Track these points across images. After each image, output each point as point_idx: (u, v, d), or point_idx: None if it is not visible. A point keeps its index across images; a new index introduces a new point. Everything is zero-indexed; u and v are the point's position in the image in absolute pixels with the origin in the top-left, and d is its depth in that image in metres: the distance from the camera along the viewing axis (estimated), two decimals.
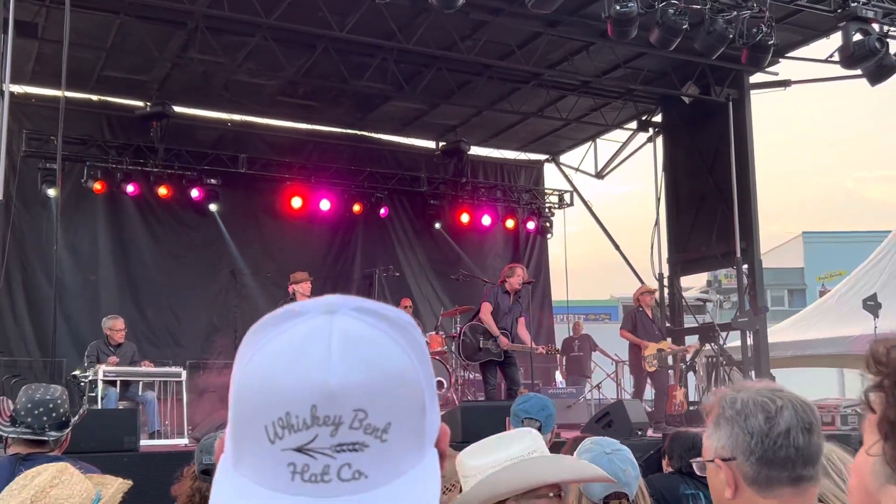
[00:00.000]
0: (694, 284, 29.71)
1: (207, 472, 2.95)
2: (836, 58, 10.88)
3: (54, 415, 3.33)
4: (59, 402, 3.37)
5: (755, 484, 1.62)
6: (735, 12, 9.39)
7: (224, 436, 0.80)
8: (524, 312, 9.95)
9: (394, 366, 0.74)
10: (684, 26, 9.15)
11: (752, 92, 13.04)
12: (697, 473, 1.84)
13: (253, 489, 0.74)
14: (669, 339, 12.38)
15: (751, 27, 9.51)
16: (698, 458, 1.78)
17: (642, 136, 15.38)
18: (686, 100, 13.27)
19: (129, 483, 2.38)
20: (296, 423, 0.71)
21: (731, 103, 12.78)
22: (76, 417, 3.52)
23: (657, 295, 14.39)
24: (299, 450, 0.72)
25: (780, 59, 12.33)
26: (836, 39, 11.27)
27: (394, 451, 0.74)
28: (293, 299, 9.96)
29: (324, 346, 0.73)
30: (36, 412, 3.31)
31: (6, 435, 3.42)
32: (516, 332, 9.68)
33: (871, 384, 1.01)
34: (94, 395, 8.56)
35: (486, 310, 9.73)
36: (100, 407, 8.44)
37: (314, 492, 0.72)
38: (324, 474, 0.72)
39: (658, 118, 14.84)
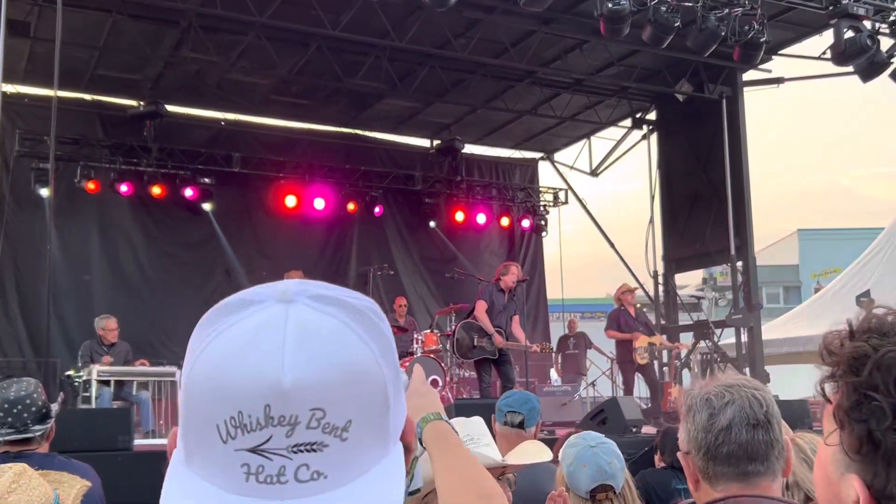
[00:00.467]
0: (689, 282, 29.78)
1: None
2: (829, 55, 10.91)
3: (34, 409, 3.30)
4: (35, 395, 3.33)
5: (706, 477, 1.64)
6: (727, 10, 9.41)
7: (176, 429, 0.76)
8: (518, 310, 9.96)
9: (353, 360, 0.71)
10: (676, 24, 9.16)
11: (745, 89, 13.06)
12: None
13: (206, 489, 0.70)
14: (665, 336, 12.40)
15: (743, 24, 9.53)
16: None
17: (637, 134, 15.39)
18: (680, 97, 13.29)
19: (88, 484, 2.35)
20: (249, 424, 0.68)
21: (724, 101, 12.81)
22: (56, 405, 3.49)
23: (653, 291, 14.45)
24: (253, 450, 0.68)
25: (773, 57, 12.35)
26: (828, 36, 11.29)
27: (355, 449, 0.70)
28: None
29: (277, 341, 0.69)
30: (15, 411, 3.27)
31: None
32: (511, 330, 9.69)
33: (824, 375, 1.02)
34: (88, 394, 8.56)
35: (481, 308, 9.74)
36: (93, 406, 8.44)
37: (270, 493, 0.68)
38: (280, 475, 0.68)
39: (652, 116, 14.85)
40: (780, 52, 12.22)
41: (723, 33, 9.40)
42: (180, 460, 0.74)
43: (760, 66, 12.47)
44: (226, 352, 0.70)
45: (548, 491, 3.33)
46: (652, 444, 7.97)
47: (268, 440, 0.68)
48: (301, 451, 0.68)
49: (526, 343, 9.81)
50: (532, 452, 2.65)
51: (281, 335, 0.69)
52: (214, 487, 0.70)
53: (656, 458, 4.88)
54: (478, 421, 2.38)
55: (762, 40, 9.57)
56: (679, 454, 1.72)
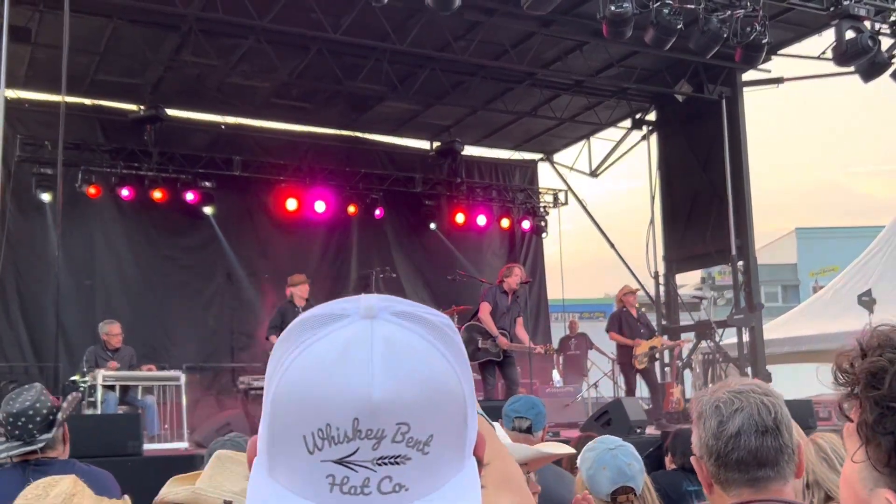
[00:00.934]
0: (688, 281, 29.82)
1: None
2: (829, 55, 10.94)
3: (38, 419, 3.29)
4: (38, 405, 3.31)
5: (719, 482, 1.66)
6: (729, 11, 9.44)
7: (256, 438, 0.78)
8: (522, 312, 9.99)
9: (437, 376, 0.73)
10: (679, 26, 9.19)
11: (744, 89, 13.10)
12: None
13: (289, 499, 0.72)
14: (666, 336, 12.43)
15: (744, 26, 9.56)
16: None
17: (636, 135, 15.42)
18: (679, 98, 13.32)
19: None
20: (336, 436, 0.70)
21: (724, 101, 12.84)
22: (65, 405, 3.46)
23: (654, 292, 14.47)
24: (339, 462, 0.70)
25: (773, 57, 12.39)
26: (827, 36, 11.35)
27: (435, 462, 0.72)
28: (291, 303, 9.98)
29: (365, 357, 0.71)
30: (20, 423, 3.26)
31: (0, 456, 3.38)
32: (514, 331, 9.71)
33: (843, 394, 1.02)
34: (93, 399, 8.56)
35: (485, 309, 9.77)
36: (99, 412, 8.45)
37: None
38: (364, 487, 0.70)
39: (652, 116, 14.89)
40: (779, 52, 12.25)
41: (725, 35, 9.43)
42: (262, 470, 0.76)
43: (760, 67, 12.50)
44: (315, 366, 0.71)
45: (554, 493, 3.35)
46: (656, 444, 8.02)
47: (354, 452, 0.70)
48: (385, 464, 0.70)
49: (530, 344, 9.83)
50: (556, 446, 2.70)
51: (368, 351, 0.71)
52: (298, 497, 0.72)
53: (667, 459, 4.90)
54: (497, 427, 2.39)
55: (764, 42, 9.60)
56: (693, 458, 1.75)
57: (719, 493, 1.70)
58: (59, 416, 3.39)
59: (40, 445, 3.29)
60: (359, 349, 0.71)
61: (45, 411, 3.32)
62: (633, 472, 2.72)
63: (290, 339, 0.75)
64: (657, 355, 11.61)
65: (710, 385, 4.35)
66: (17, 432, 3.27)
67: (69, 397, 3.61)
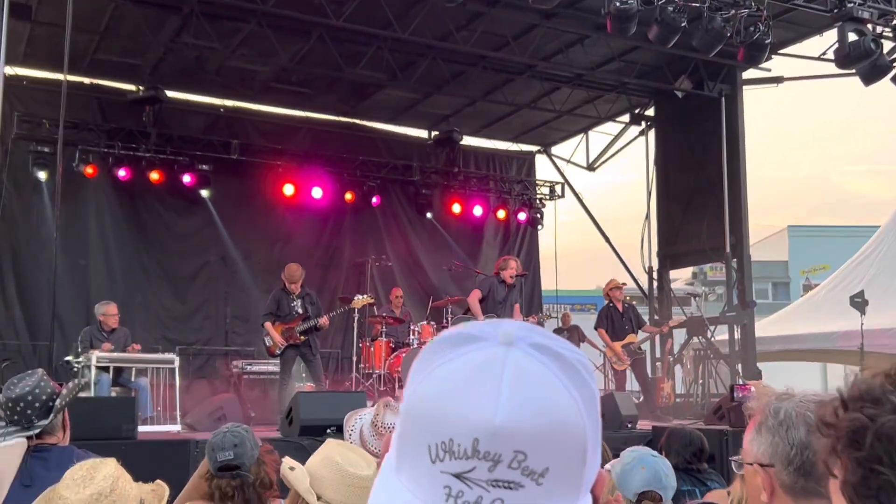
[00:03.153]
0: (679, 276, 29.90)
1: (225, 469, 2.99)
2: (830, 56, 10.96)
3: (37, 404, 3.28)
4: (37, 391, 3.31)
5: (791, 492, 1.68)
6: (733, 11, 9.44)
7: (390, 436, 0.83)
8: (519, 299, 10.15)
9: (560, 412, 0.75)
10: (683, 24, 9.19)
11: (744, 87, 13.12)
12: (735, 471, 1.91)
13: (409, 501, 0.76)
14: (647, 325, 12.34)
15: (748, 25, 9.57)
16: (737, 458, 1.85)
17: (634, 130, 15.45)
18: (679, 94, 13.33)
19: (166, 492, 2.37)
20: (457, 451, 0.73)
21: (723, 98, 12.87)
22: (66, 391, 3.46)
23: (647, 287, 14.53)
24: (457, 476, 0.74)
25: (773, 56, 12.41)
26: (828, 37, 11.38)
27: (548, 494, 0.75)
28: (284, 289, 9.99)
29: (494, 382, 0.74)
30: (19, 408, 3.27)
31: None
32: (512, 317, 9.84)
33: (825, 450, 1.00)
34: (86, 380, 8.56)
35: (475, 296, 9.95)
36: (93, 393, 8.45)
37: None
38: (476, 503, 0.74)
39: (651, 112, 14.91)
40: (779, 52, 12.26)
41: (728, 34, 9.44)
42: (391, 467, 0.80)
43: (760, 65, 12.52)
44: (447, 383, 0.76)
45: None
46: (647, 439, 8.09)
47: (471, 470, 0.73)
48: (499, 487, 0.74)
49: (522, 318, 10.08)
50: None
51: (498, 377, 0.74)
52: (417, 500, 0.76)
53: None
54: None
55: (767, 42, 9.61)
56: (753, 465, 1.75)
57: (786, 501, 1.71)
58: (58, 402, 3.39)
59: (37, 431, 3.29)
60: (489, 374, 0.75)
61: (44, 397, 3.32)
62: (667, 483, 2.75)
63: (429, 354, 0.79)
64: (639, 348, 11.64)
65: (765, 390, 4.38)
66: (15, 417, 3.28)
67: (70, 384, 3.61)
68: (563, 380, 0.76)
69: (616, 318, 11.26)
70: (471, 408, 0.73)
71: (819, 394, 1.78)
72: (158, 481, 2.38)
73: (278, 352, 9.79)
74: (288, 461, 2.17)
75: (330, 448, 2.21)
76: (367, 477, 2.28)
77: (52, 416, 3.33)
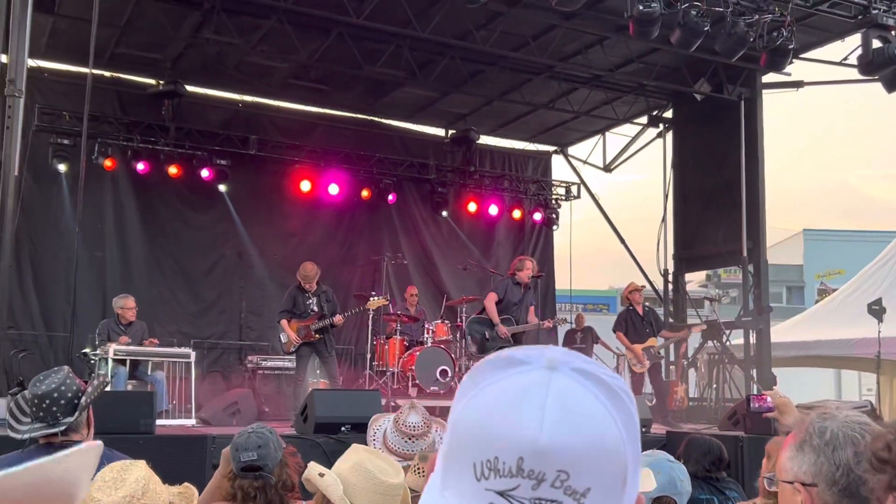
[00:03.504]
0: (693, 278, 29.82)
1: (248, 469, 3.01)
2: (851, 60, 10.89)
3: (63, 401, 3.30)
4: (63, 388, 3.33)
5: None
6: (757, 15, 9.39)
7: (435, 455, 0.85)
8: (534, 301, 10.18)
9: (602, 435, 0.77)
10: (706, 28, 9.15)
11: (763, 92, 13.05)
12: (768, 489, 1.89)
13: None
14: (665, 330, 12.32)
15: (771, 30, 9.52)
16: (770, 475, 1.82)
17: (652, 131, 15.40)
18: (698, 97, 13.28)
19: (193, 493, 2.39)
20: (502, 469, 0.76)
21: (742, 102, 12.79)
22: (91, 389, 3.47)
23: (663, 290, 14.49)
24: (501, 493, 0.76)
25: (794, 60, 12.33)
26: (850, 42, 11.31)
27: None
28: (300, 287, 10.00)
29: (539, 403, 0.76)
30: (44, 405, 3.28)
31: (22, 436, 3.40)
32: (527, 318, 9.89)
33: (881, 486, 0.99)
34: (103, 373, 8.62)
35: (491, 299, 10.00)
36: (109, 387, 8.50)
37: None
38: None
39: (669, 114, 14.86)
40: (801, 56, 12.18)
41: (751, 39, 9.39)
42: (436, 485, 0.82)
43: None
44: (493, 403, 0.78)
45: None
46: (661, 444, 8.07)
47: (515, 488, 0.76)
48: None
49: (538, 321, 10.04)
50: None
51: (543, 399, 0.77)
52: None
53: None
54: None
55: (790, 47, 9.56)
56: (794, 484, 1.73)
57: None
58: (84, 399, 3.41)
59: (62, 428, 3.31)
60: (534, 395, 0.77)
61: (69, 394, 3.34)
62: (682, 489, 2.74)
63: (476, 376, 0.82)
64: (660, 352, 11.62)
65: (786, 403, 4.34)
66: (41, 414, 3.30)
67: (95, 381, 3.63)
68: (606, 403, 0.79)
69: (636, 321, 11.23)
70: (516, 427, 0.76)
71: (859, 414, 1.76)
72: (187, 484, 2.40)
73: (293, 349, 9.82)
74: (316, 467, 2.19)
75: (359, 455, 2.22)
76: (397, 485, 2.29)
77: (77, 413, 3.35)
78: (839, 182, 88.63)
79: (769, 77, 13.00)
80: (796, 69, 12.61)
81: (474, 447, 0.77)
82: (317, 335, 9.73)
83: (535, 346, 0.84)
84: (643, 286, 12.65)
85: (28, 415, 3.37)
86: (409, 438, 3.80)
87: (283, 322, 9.84)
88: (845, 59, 11.61)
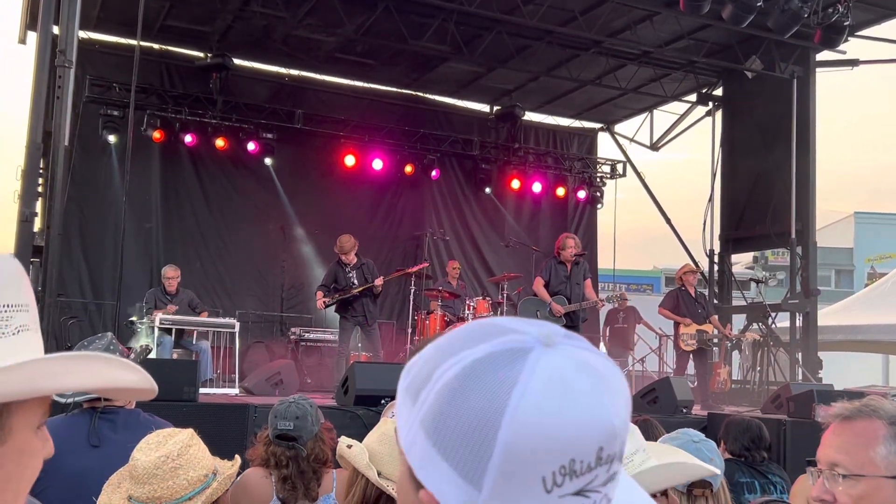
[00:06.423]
0: (739, 259, 29.41)
1: (282, 437, 3.05)
2: None
3: None
4: (106, 354, 3.38)
5: None
6: None
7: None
8: (588, 275, 10.16)
9: (624, 384, 0.76)
10: (759, 3, 8.95)
11: (817, 70, 12.74)
12: (837, 478, 1.84)
13: None
14: (716, 317, 12.23)
15: (826, 6, 9.27)
16: (843, 469, 1.76)
17: (701, 110, 15.14)
18: (749, 74, 13.00)
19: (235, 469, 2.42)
20: (579, 469, 0.71)
21: (795, 80, 12.51)
22: (134, 355, 3.51)
23: (708, 270, 14.30)
24: (578, 493, 0.72)
25: (850, 38, 12.01)
26: None
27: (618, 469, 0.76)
28: (340, 263, 10.06)
29: (587, 385, 0.72)
30: None
31: (66, 400, 3.45)
32: (583, 294, 9.87)
33: None
34: (150, 346, 8.77)
35: (538, 283, 10.03)
36: (154, 354, 8.66)
37: None
38: None
39: (718, 92, 14.58)
40: (857, 34, 11.86)
41: (805, 14, 9.16)
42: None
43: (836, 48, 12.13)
44: (542, 404, 0.71)
45: None
46: (702, 426, 7.99)
47: (593, 480, 0.73)
48: (609, 482, 0.74)
49: (595, 297, 10.01)
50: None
51: (589, 382, 0.73)
52: None
53: (720, 448, 4.86)
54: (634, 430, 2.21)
55: (846, 24, 9.31)
56: (872, 476, 1.68)
57: None
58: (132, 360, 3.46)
59: None
60: (576, 379, 0.72)
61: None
62: (713, 466, 2.70)
63: (481, 384, 0.73)
64: (707, 340, 11.45)
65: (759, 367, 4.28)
66: None
67: (138, 348, 3.68)
68: (607, 361, 0.77)
69: (689, 301, 11.09)
70: (588, 419, 0.71)
71: None
72: (236, 456, 2.45)
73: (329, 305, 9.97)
74: (345, 440, 2.23)
75: (387, 426, 2.26)
76: None
77: None
78: (892, 165, 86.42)
79: (823, 55, 12.68)
80: (851, 47, 12.30)
81: (541, 460, 0.70)
82: (355, 291, 9.84)
83: (502, 319, 0.77)
84: (699, 269, 12.46)
85: None
86: None
87: (319, 293, 10.06)
88: None
